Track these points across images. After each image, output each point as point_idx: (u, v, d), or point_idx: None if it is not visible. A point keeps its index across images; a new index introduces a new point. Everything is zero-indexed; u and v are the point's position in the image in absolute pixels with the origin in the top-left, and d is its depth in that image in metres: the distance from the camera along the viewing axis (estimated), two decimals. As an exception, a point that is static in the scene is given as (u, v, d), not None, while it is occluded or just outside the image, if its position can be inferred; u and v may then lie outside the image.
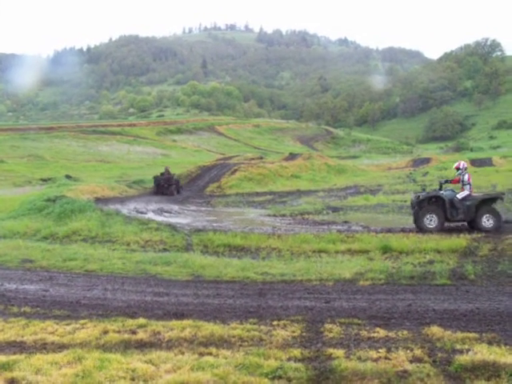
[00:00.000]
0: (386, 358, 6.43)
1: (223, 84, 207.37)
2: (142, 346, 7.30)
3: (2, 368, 6.32)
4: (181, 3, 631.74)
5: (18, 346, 7.37)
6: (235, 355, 6.65)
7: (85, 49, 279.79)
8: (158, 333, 7.77)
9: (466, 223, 17.83)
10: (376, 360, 6.36)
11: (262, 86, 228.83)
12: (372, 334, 7.46)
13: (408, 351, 6.61)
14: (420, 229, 17.20)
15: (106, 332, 7.89)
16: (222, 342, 7.28)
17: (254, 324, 8.12)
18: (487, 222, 16.91)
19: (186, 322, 8.20)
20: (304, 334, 7.61)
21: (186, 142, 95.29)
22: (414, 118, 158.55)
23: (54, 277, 12.56)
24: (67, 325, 8.39)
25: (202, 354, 6.79)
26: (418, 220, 17.46)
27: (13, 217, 21.94)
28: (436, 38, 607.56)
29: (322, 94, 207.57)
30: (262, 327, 7.92)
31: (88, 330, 8.05)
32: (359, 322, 8.20)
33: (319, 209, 25.35)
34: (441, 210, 17.37)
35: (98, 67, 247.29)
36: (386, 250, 14.59)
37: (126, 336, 7.68)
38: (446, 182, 18.50)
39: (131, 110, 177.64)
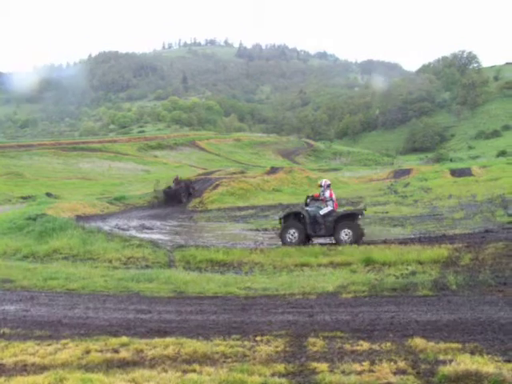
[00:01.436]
0: (369, 370, 6.43)
1: (204, 99, 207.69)
2: (124, 364, 7.22)
3: (-19, 391, 6.23)
4: (160, 19, 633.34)
5: (-2, 369, 7.26)
6: (219, 372, 6.61)
7: (64, 66, 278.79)
8: (141, 351, 7.70)
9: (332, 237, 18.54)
10: (360, 373, 6.35)
11: (242, 100, 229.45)
12: (355, 347, 7.46)
13: (392, 363, 6.61)
14: (283, 243, 18.16)
15: (88, 352, 7.79)
16: (206, 359, 7.23)
17: (238, 340, 8.08)
18: (345, 236, 17.87)
19: (168, 339, 8.14)
20: (287, 348, 7.58)
21: (167, 158, 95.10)
22: (394, 129, 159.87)
23: (34, 296, 12.39)
24: (48, 345, 8.26)
25: (185, 372, 6.74)
26: (281, 234, 18.46)
27: (-8, 236, 21.72)
28: (414, 51, 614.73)
29: (303, 107, 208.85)
30: (246, 343, 7.89)
31: (70, 350, 7.94)
32: (342, 335, 8.19)
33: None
34: (302, 225, 18.29)
35: (78, 84, 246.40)
36: (368, 261, 14.66)
37: (109, 355, 7.59)
38: (310, 197, 19.34)
39: (112, 126, 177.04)
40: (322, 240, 19.38)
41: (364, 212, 19.51)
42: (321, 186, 19.13)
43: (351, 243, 17.39)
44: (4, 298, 12.23)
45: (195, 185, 41.73)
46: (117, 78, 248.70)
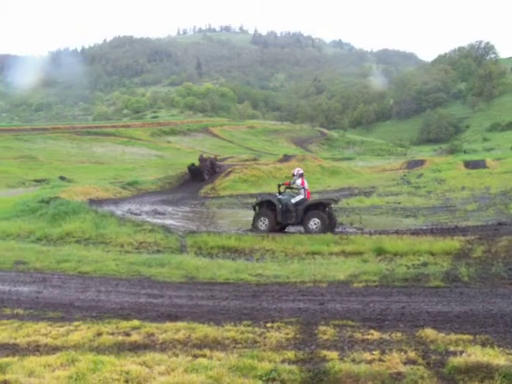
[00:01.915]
0: (379, 359, 6.42)
1: (218, 85, 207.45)
2: (135, 347, 7.26)
3: (-5, 370, 6.30)
4: (175, 5, 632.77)
5: (11, 349, 7.32)
6: (229, 357, 6.63)
7: (79, 50, 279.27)
8: (152, 335, 7.74)
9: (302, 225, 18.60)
10: (370, 362, 6.35)
11: (256, 87, 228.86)
12: (366, 336, 7.45)
13: (402, 353, 6.60)
14: (255, 229, 18.59)
15: (99, 334, 7.85)
16: (216, 344, 7.26)
17: (248, 326, 8.10)
18: (314, 225, 18.00)
19: (180, 323, 8.18)
20: (298, 336, 7.59)
21: (180, 143, 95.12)
22: (408, 120, 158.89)
23: (47, 278, 12.51)
24: (61, 327, 8.34)
25: (195, 356, 6.77)
26: (253, 221, 18.96)
27: (6, 218, 21.86)
28: (430, 41, 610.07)
29: (317, 95, 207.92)
30: (256, 329, 7.90)
31: (81, 332, 8.00)
32: (353, 323, 8.19)
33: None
34: (272, 213, 18.58)
35: (92, 68, 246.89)
36: (379, 251, 14.62)
37: (120, 338, 7.64)
38: (281, 185, 19.85)
39: (125, 111, 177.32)
40: (292, 229, 19.47)
41: (335, 202, 19.98)
42: (293, 174, 19.36)
43: (319, 232, 17.53)
44: (17, 280, 12.35)
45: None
46: (131, 63, 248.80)
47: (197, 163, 41.44)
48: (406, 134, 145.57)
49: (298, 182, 18.83)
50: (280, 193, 19.31)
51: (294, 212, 18.32)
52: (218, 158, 49.90)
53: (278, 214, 18.45)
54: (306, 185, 18.95)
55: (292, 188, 19.33)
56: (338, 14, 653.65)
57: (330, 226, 18.12)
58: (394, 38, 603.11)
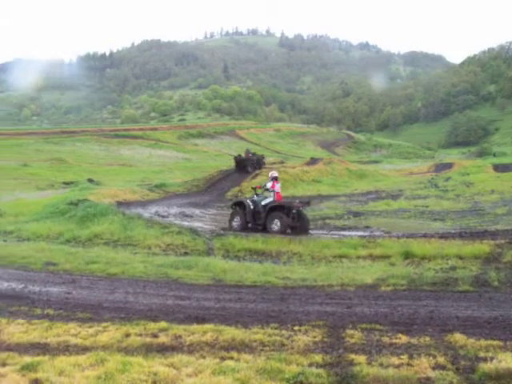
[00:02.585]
0: (408, 364, 6.37)
1: (244, 88, 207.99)
2: (163, 349, 7.30)
3: (27, 369, 6.38)
4: (202, 8, 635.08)
5: (42, 348, 7.42)
6: (256, 360, 6.63)
7: (107, 54, 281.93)
8: (180, 337, 7.78)
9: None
10: (398, 366, 6.30)
11: (283, 90, 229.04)
12: (394, 340, 7.40)
13: (431, 358, 6.54)
14: (230, 227, 19.66)
15: (127, 335, 7.91)
16: (244, 347, 7.26)
17: (276, 329, 8.09)
18: (275, 226, 18.66)
19: (207, 326, 8.21)
20: (325, 339, 7.57)
21: (207, 146, 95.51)
22: (436, 122, 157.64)
23: (76, 280, 12.64)
24: (90, 327, 8.43)
25: (223, 358, 6.78)
26: (229, 220, 20.06)
27: (36, 220, 22.19)
28: (459, 42, 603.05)
29: (344, 98, 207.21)
30: (284, 332, 7.90)
31: (110, 332, 8.08)
32: (381, 327, 8.13)
33: (340, 214, 25.31)
34: (243, 213, 19.57)
35: (120, 72, 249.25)
36: (407, 255, 14.49)
37: (148, 339, 7.69)
38: (255, 188, 21.04)
39: (153, 114, 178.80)
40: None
41: (307, 204, 20.44)
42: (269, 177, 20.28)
43: (279, 233, 18.15)
44: (47, 280, 12.51)
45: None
46: (159, 67, 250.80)
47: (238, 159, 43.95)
48: (434, 137, 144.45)
49: (269, 184, 19.65)
50: (257, 195, 20.17)
51: (264, 213, 19.10)
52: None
53: (247, 215, 19.43)
54: (277, 188, 19.68)
55: (268, 190, 19.93)
56: (366, 17, 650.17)
57: (301, 227, 18.88)
58: (421, 40, 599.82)
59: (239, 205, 20.18)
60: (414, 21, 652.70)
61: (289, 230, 18.72)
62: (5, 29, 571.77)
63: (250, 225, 19.51)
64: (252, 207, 19.36)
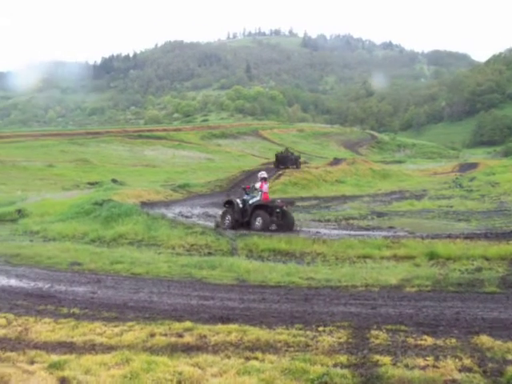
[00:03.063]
0: (433, 366, 6.31)
1: (267, 89, 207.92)
2: (188, 349, 7.34)
3: (54, 367, 6.46)
4: (225, 9, 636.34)
5: (68, 347, 7.51)
6: (281, 360, 6.64)
7: (131, 55, 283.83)
8: (205, 336, 7.81)
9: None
10: (424, 368, 6.26)
11: (306, 90, 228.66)
12: (419, 342, 7.34)
13: (457, 360, 6.47)
14: (222, 225, 20.37)
15: (152, 335, 7.96)
16: (268, 347, 7.26)
17: (300, 329, 8.08)
18: (257, 223, 19.53)
19: (231, 326, 8.22)
20: (350, 340, 7.54)
21: (230, 147, 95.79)
22: (461, 122, 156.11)
23: (101, 279, 12.76)
24: (115, 327, 8.50)
25: (248, 359, 6.80)
26: (221, 218, 20.95)
27: (62, 220, 22.46)
28: (484, 40, 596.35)
29: (367, 98, 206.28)
30: (308, 333, 7.89)
31: (135, 332, 8.14)
32: (406, 328, 8.07)
33: (364, 214, 25.20)
34: (233, 212, 20.45)
35: (144, 73, 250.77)
36: (432, 256, 14.37)
37: (173, 339, 7.73)
38: (244, 187, 22.00)
39: (176, 114, 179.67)
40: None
41: (291, 204, 21.71)
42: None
43: (260, 230, 18.89)
44: (73, 280, 12.65)
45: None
46: (182, 67, 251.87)
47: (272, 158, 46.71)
48: (459, 137, 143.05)
49: (257, 185, 20.44)
50: (247, 194, 20.78)
51: (249, 211, 20.00)
52: (270, 160, 51.99)
53: (235, 213, 20.27)
54: (265, 188, 20.42)
55: (256, 190, 20.66)
56: (389, 16, 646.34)
57: (285, 225, 19.65)
58: (445, 39, 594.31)
59: (230, 203, 21.06)
60: (438, 19, 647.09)
61: (274, 227, 19.64)
62: (29, 31, 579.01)
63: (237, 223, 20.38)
64: (241, 206, 20.26)
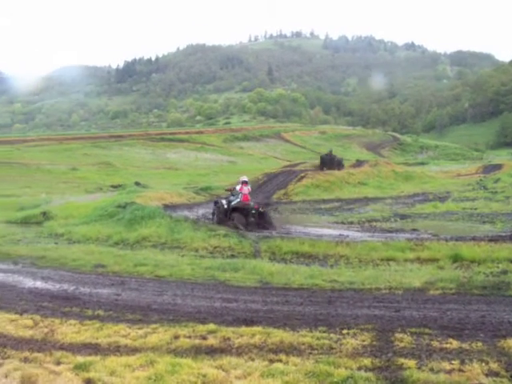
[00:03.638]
0: (459, 370, 6.27)
1: (289, 91, 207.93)
2: (212, 351, 7.37)
3: (80, 368, 6.54)
4: (246, 12, 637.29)
5: (93, 348, 7.59)
6: (305, 363, 6.64)
7: (153, 59, 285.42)
8: (228, 339, 7.84)
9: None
10: (449, 372, 6.21)
11: (327, 92, 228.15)
12: (444, 345, 7.29)
13: (483, 364, 6.41)
14: (212, 221, 22.35)
15: (176, 337, 8.01)
16: (292, 350, 7.27)
17: (324, 332, 8.07)
18: (233, 222, 21.06)
19: (255, 328, 8.24)
20: (374, 343, 7.51)
21: (252, 149, 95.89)
22: (485, 122, 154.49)
23: (125, 281, 12.85)
24: (139, 329, 8.57)
25: (271, 361, 6.81)
26: (212, 215, 23.01)
27: (86, 222, 22.66)
28: (508, 40, 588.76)
29: (389, 99, 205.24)
30: (332, 335, 7.88)
31: (159, 334, 8.20)
32: (430, 331, 8.02)
33: (387, 216, 25.06)
34: (218, 211, 22.25)
35: (166, 76, 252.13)
36: (456, 258, 14.23)
37: (197, 341, 7.77)
38: (227, 189, 24.17)
39: (198, 117, 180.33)
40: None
41: (266, 205, 23.67)
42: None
43: (235, 228, 20.17)
44: (98, 282, 12.76)
45: (280, 176, 43.31)
46: (204, 70, 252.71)
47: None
48: (482, 138, 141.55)
49: (238, 187, 22.41)
50: (233, 195, 22.48)
51: (229, 211, 21.84)
52: (292, 162, 52.19)
53: (220, 212, 22.04)
54: (245, 190, 22.14)
55: (237, 192, 22.47)
56: (411, 17, 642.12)
57: (262, 224, 21.43)
58: (469, 39, 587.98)
59: (216, 203, 22.94)
60: (461, 20, 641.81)
61: (250, 227, 21.04)
62: (53, 37, 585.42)
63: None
64: (226, 206, 21.94)
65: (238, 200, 21.75)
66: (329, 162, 46.67)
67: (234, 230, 19.92)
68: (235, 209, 21.72)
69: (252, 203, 22.05)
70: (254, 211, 21.67)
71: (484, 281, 11.69)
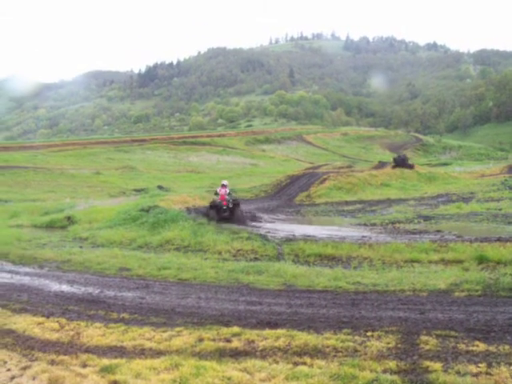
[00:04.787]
0: (486, 373, 6.20)
1: (310, 93, 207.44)
2: (236, 354, 7.38)
3: (106, 371, 6.60)
4: (267, 14, 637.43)
5: (119, 351, 7.66)
6: (330, 365, 6.62)
7: (175, 63, 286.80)
8: (252, 341, 7.84)
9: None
10: (476, 375, 6.15)
11: (349, 93, 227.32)
12: (470, 348, 7.22)
13: (511, 367, 6.35)
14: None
15: (201, 340, 8.04)
16: (316, 352, 7.26)
17: (348, 334, 8.05)
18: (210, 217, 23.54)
19: (279, 331, 8.24)
20: (399, 345, 7.47)
21: (274, 152, 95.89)
22: (509, 122, 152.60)
23: (149, 285, 12.93)
24: (163, 332, 8.62)
25: (296, 364, 6.81)
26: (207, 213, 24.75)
27: (109, 226, 22.84)
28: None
29: (411, 100, 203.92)
30: (356, 338, 7.85)
31: (184, 337, 8.23)
32: (456, 334, 7.95)
33: (410, 218, 24.87)
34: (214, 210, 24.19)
35: (188, 80, 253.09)
36: (481, 260, 14.08)
37: (221, 344, 7.79)
38: (215, 193, 25.44)
39: (220, 120, 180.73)
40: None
41: (235, 203, 24.51)
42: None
43: (211, 222, 22.56)
44: (122, 285, 12.86)
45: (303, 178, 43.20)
46: (225, 74, 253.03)
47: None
48: (507, 138, 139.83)
49: (218, 189, 24.65)
50: (216, 195, 24.85)
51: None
52: (314, 164, 52.16)
53: (206, 210, 24.77)
54: (222, 192, 24.21)
55: (217, 193, 24.78)
56: (433, 16, 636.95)
57: (234, 219, 23.66)
58: (492, 38, 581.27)
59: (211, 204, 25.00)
60: (483, 18, 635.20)
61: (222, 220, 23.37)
62: (76, 43, 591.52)
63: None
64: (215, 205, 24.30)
65: (216, 199, 24.33)
66: (401, 162, 51.10)
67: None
68: (211, 206, 24.34)
69: (221, 202, 24.26)
70: (224, 207, 24.02)
71: (510, 282, 11.55)
